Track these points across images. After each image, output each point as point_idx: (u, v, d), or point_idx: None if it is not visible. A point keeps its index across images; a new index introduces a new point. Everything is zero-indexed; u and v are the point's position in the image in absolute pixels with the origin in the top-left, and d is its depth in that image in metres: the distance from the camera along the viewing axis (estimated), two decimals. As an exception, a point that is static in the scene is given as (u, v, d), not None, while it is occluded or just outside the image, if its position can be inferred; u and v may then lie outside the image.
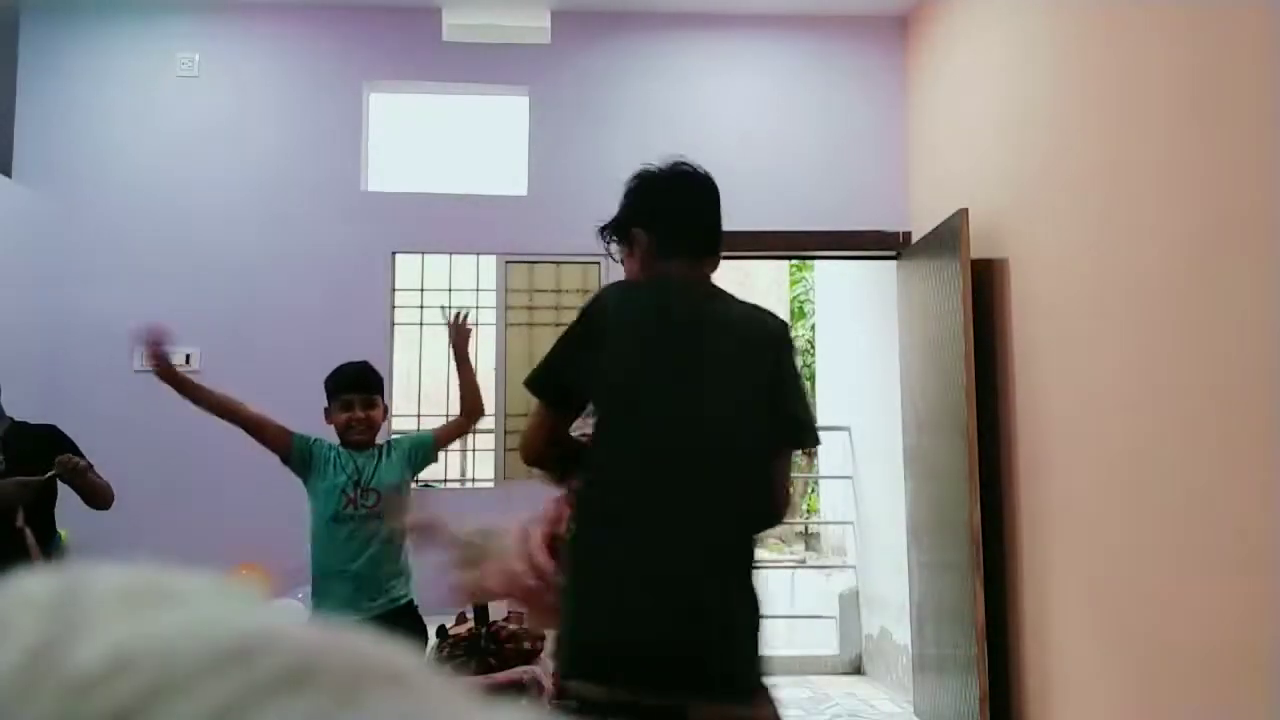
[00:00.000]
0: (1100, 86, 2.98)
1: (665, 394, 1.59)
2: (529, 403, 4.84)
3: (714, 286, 1.77)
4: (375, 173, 4.50)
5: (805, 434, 1.72)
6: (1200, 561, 2.47)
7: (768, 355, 1.68)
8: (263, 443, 2.77)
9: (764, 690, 1.56)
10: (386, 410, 2.89)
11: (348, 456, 2.76)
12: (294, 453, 2.75)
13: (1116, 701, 2.87)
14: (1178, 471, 2.56)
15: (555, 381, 1.69)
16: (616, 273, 4.51)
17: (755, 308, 1.78)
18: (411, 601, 2.80)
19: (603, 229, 1.90)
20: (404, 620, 2.71)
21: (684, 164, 1.89)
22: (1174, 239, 2.59)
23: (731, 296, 1.77)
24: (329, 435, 2.87)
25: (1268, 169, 2.25)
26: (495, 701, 0.26)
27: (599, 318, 1.67)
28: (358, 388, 2.78)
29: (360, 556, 2.68)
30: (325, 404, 2.81)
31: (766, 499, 1.67)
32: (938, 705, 3.86)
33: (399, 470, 2.79)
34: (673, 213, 1.82)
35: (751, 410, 1.61)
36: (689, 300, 1.69)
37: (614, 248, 1.88)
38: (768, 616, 1.68)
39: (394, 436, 2.93)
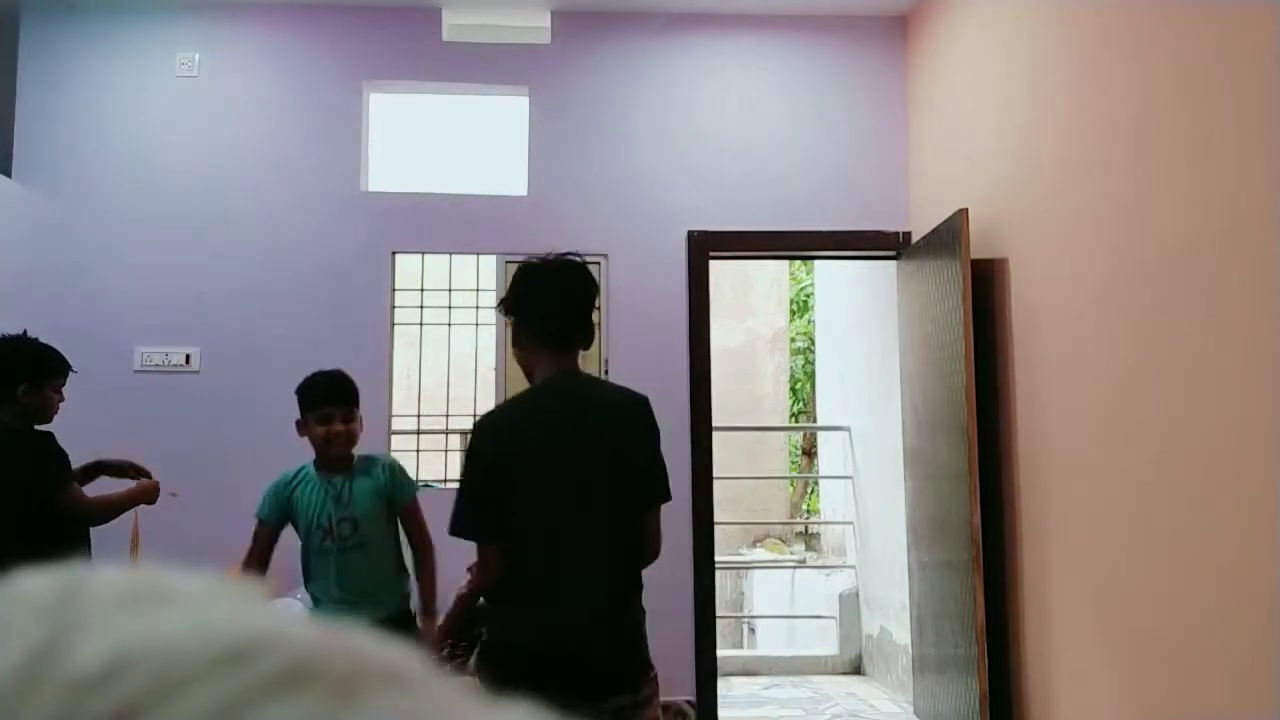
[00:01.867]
0: (1101, 85, 2.98)
1: (554, 485, 2.00)
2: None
3: (576, 376, 2.13)
4: (375, 173, 4.50)
5: (663, 491, 2.16)
6: (1201, 561, 2.47)
7: (632, 429, 2.11)
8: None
9: (647, 672, 2.06)
10: (363, 422, 2.78)
11: (321, 486, 2.67)
12: (280, 527, 2.71)
13: (1117, 701, 2.87)
14: (1178, 471, 2.56)
15: (481, 523, 2.01)
16: (617, 272, 4.52)
17: (618, 389, 2.25)
18: (404, 613, 2.74)
19: (499, 305, 2.24)
20: (399, 626, 2.67)
21: (561, 259, 2.12)
22: (1175, 238, 2.59)
23: (596, 380, 2.28)
24: (295, 449, 2.83)
25: (1269, 169, 2.25)
26: (495, 701, 0.26)
27: (486, 455, 2.03)
28: (336, 400, 2.68)
29: (343, 582, 2.65)
30: (298, 415, 2.72)
31: (641, 546, 2.11)
32: (938, 705, 3.86)
33: (375, 499, 2.69)
34: (537, 309, 2.09)
35: (623, 481, 2.05)
36: (552, 402, 2.07)
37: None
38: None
39: (372, 455, 2.81)
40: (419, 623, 2.72)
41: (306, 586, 2.73)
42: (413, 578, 2.79)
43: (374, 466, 2.75)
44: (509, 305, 2.12)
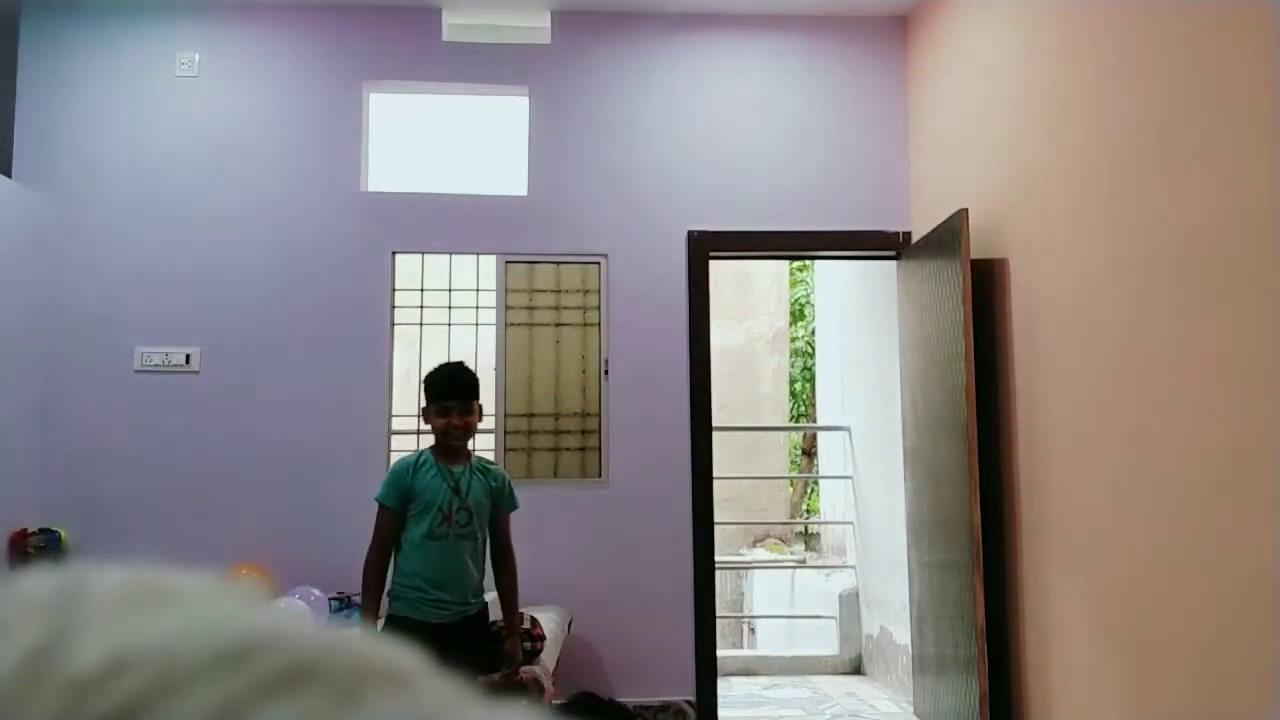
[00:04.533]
0: (1101, 86, 2.98)
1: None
2: (529, 404, 4.84)
3: None
4: (375, 173, 4.50)
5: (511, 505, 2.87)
6: (1201, 561, 2.47)
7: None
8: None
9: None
10: (482, 411, 2.90)
11: (441, 472, 2.78)
12: (403, 512, 2.78)
13: (1116, 701, 2.87)
14: (1179, 471, 2.56)
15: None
16: (617, 272, 4.52)
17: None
18: (485, 608, 2.87)
19: None
20: (477, 626, 2.83)
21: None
22: (1175, 238, 2.59)
23: None
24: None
25: (1270, 168, 2.25)
26: (495, 701, 0.26)
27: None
28: (454, 394, 2.79)
29: (448, 569, 2.75)
30: (423, 402, 2.85)
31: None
32: (938, 705, 3.86)
33: (486, 498, 2.82)
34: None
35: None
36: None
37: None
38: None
39: (488, 465, 2.93)
40: (505, 644, 2.86)
41: (401, 575, 2.77)
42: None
43: (490, 470, 2.89)
44: None
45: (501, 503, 2.88)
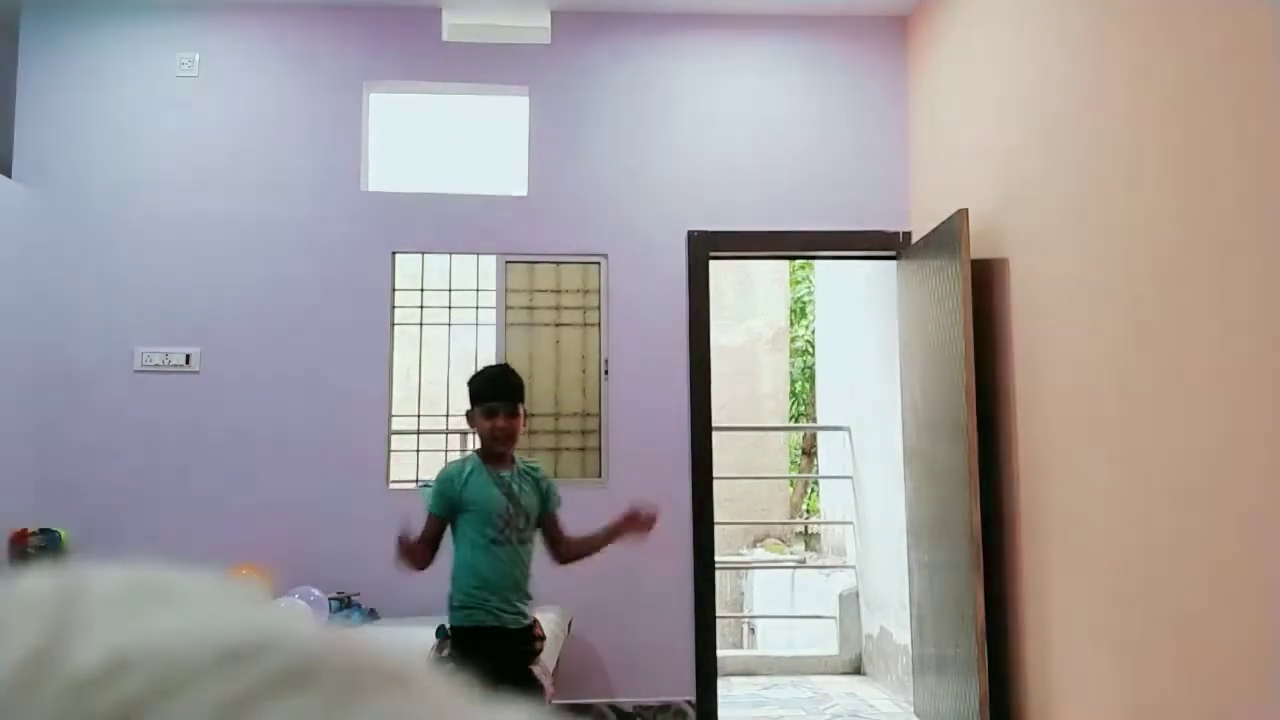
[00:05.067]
0: (1101, 86, 2.98)
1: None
2: (529, 404, 4.85)
3: None
4: (375, 173, 4.50)
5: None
6: (1202, 561, 2.47)
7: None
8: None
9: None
10: (527, 415, 2.88)
11: (492, 478, 2.75)
12: (450, 520, 2.76)
13: (1116, 701, 2.87)
14: (1179, 471, 2.56)
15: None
16: (616, 272, 4.52)
17: None
18: (535, 621, 2.84)
19: None
20: (530, 637, 2.79)
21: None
22: (1175, 238, 2.59)
23: None
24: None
25: (1271, 168, 2.25)
26: (495, 701, 0.26)
27: None
28: (499, 396, 2.77)
29: (511, 574, 2.72)
30: (469, 404, 2.82)
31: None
32: (938, 705, 3.86)
33: (537, 500, 2.80)
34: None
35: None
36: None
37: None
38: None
39: (531, 466, 2.89)
40: (603, 538, 2.83)
41: (461, 587, 2.72)
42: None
43: (536, 472, 2.87)
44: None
45: (549, 502, 2.85)
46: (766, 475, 8.14)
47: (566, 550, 2.88)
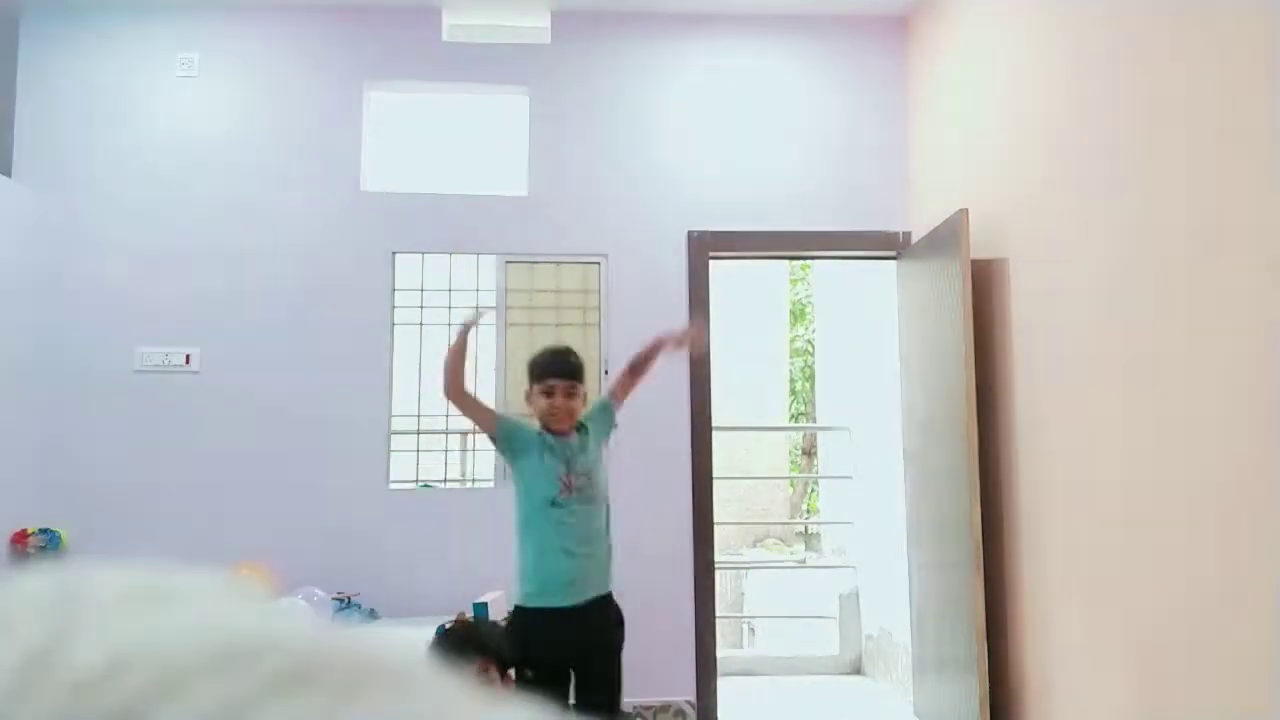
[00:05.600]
0: (1101, 86, 2.98)
1: None
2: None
3: None
4: (375, 173, 4.50)
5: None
6: (1202, 560, 2.47)
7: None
8: (476, 424, 2.83)
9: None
10: (587, 397, 2.86)
11: (556, 442, 2.74)
12: (499, 434, 2.76)
13: (1116, 701, 2.87)
14: (1180, 471, 2.56)
15: None
16: (617, 272, 4.52)
17: None
18: (611, 591, 2.82)
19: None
20: (611, 608, 2.79)
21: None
22: (1175, 238, 2.59)
23: None
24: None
25: (1271, 170, 2.25)
26: (495, 699, 0.26)
27: None
28: (560, 373, 2.74)
29: (580, 539, 2.70)
30: (527, 385, 2.82)
31: None
32: (938, 705, 3.86)
33: (597, 448, 2.80)
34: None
35: None
36: None
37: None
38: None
39: (584, 419, 2.88)
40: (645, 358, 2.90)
41: (532, 547, 2.72)
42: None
43: (587, 424, 2.84)
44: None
45: (605, 415, 2.87)
46: (767, 475, 8.14)
47: (623, 389, 2.94)
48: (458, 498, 4.44)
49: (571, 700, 2.76)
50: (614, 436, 3.02)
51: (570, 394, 2.74)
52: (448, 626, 2.50)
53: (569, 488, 2.70)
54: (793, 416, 9.08)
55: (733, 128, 4.49)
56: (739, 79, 4.53)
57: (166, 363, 4.20)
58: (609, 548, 2.81)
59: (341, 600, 3.91)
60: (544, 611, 2.66)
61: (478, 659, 2.19)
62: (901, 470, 4.33)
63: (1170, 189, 2.61)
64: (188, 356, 4.22)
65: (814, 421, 8.13)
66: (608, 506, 2.83)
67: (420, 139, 5.00)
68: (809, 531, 8.19)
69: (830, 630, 5.39)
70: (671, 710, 4.18)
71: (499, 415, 2.82)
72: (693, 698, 4.19)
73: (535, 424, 2.83)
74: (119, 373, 4.17)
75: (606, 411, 2.92)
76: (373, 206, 4.35)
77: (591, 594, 2.71)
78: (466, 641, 2.27)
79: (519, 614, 2.71)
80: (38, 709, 0.21)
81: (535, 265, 4.39)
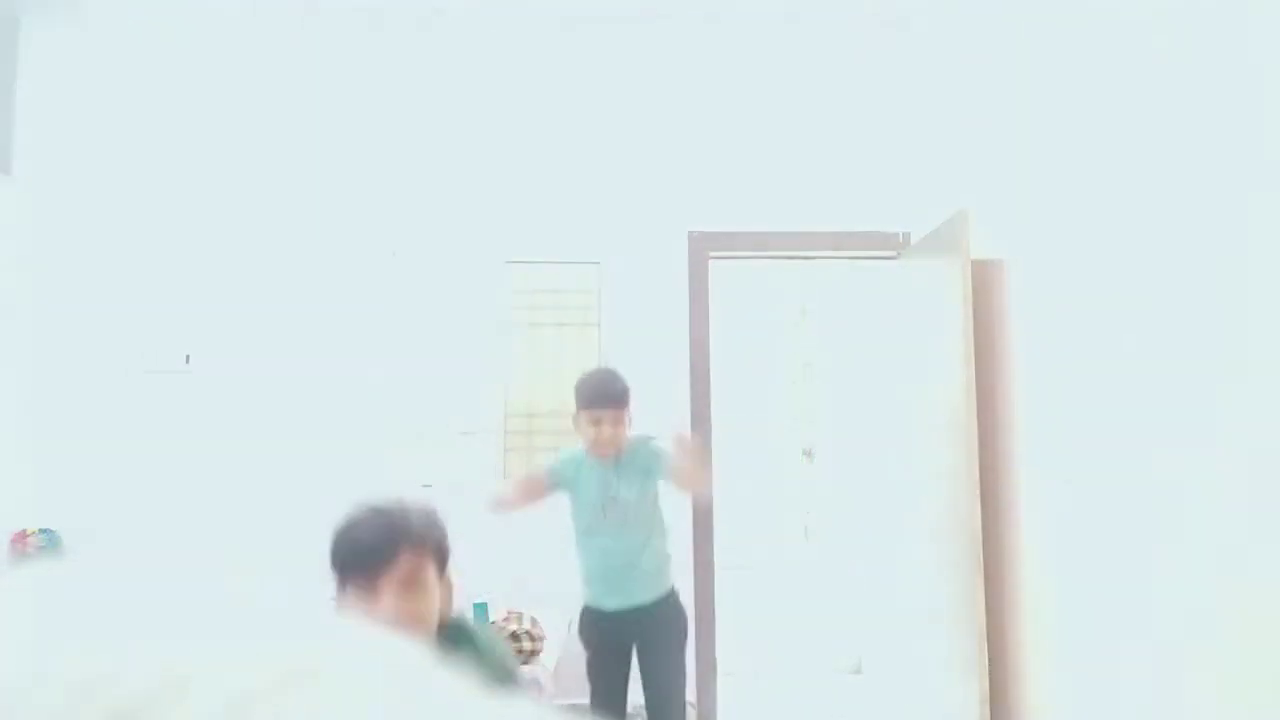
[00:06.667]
0: (1101, 86, 2.98)
1: None
2: (529, 404, 4.81)
3: None
4: (376, 172, 4.50)
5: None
6: (1202, 560, 2.47)
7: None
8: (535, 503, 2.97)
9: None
10: (631, 420, 2.93)
11: (596, 469, 2.86)
12: (555, 489, 2.91)
13: (1117, 701, 2.87)
14: (1179, 470, 2.56)
15: None
16: (616, 272, 4.51)
17: None
18: (673, 589, 2.98)
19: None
20: (668, 608, 2.95)
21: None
22: (1177, 238, 2.59)
23: None
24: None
25: (1271, 168, 2.25)
26: (496, 697, 0.26)
27: None
28: (606, 403, 2.81)
29: (620, 560, 2.86)
30: (575, 409, 2.89)
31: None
32: (939, 705, 3.86)
33: (639, 482, 2.87)
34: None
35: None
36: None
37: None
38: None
39: (637, 446, 2.93)
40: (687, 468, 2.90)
41: (582, 567, 2.95)
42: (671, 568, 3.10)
43: (634, 455, 2.91)
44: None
45: (655, 464, 2.90)
46: (766, 475, 8.13)
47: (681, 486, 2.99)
48: (458, 498, 4.43)
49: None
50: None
51: (617, 422, 2.82)
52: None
53: (607, 515, 2.84)
54: (793, 417, 9.07)
55: (733, 127, 4.49)
56: (739, 78, 4.53)
57: (166, 363, 4.20)
58: (658, 557, 2.96)
59: (341, 600, 3.90)
60: (598, 611, 2.94)
61: (404, 551, 1.71)
62: (902, 470, 4.33)
63: (1171, 187, 2.61)
64: (187, 356, 4.22)
65: (814, 422, 8.13)
66: (659, 520, 2.96)
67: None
68: (809, 531, 8.19)
69: (830, 630, 5.38)
70: (671, 710, 4.18)
71: (547, 481, 2.92)
72: (693, 698, 4.18)
73: (579, 445, 2.94)
74: (119, 373, 4.17)
75: (659, 463, 2.91)
76: (372, 207, 4.35)
77: (640, 599, 2.91)
78: (395, 529, 1.77)
79: (584, 610, 2.99)
80: (38, 708, 0.21)
81: (534, 266, 4.39)
